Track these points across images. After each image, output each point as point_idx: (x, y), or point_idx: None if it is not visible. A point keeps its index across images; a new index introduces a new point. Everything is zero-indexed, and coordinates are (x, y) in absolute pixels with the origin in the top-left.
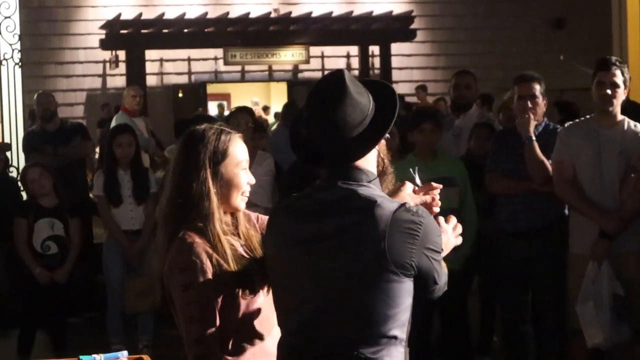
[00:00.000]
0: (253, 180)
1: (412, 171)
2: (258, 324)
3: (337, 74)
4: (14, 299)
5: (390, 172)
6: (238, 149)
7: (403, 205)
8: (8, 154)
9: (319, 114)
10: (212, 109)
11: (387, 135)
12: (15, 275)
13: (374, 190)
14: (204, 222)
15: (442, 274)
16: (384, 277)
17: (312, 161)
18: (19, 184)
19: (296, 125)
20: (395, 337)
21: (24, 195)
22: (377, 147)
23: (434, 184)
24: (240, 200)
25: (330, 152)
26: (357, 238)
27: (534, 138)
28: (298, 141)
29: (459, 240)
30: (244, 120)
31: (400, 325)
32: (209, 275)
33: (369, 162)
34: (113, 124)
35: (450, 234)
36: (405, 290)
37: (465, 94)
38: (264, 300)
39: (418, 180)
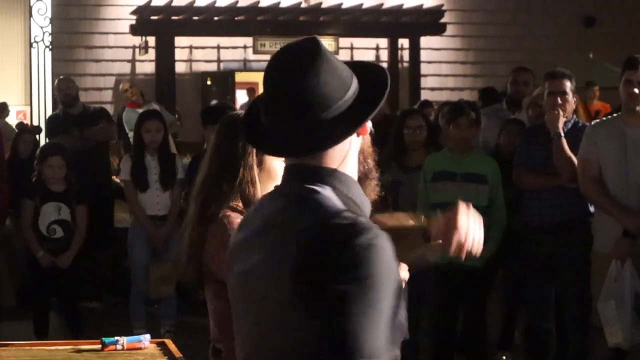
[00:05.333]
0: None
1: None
2: None
3: (309, 38)
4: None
5: (374, 177)
6: None
7: (335, 214)
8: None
9: (283, 80)
10: (241, 97)
11: (370, 127)
12: (27, 258)
13: (319, 194)
14: (246, 208)
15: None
16: (297, 316)
17: (269, 149)
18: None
19: (253, 105)
20: None
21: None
22: (357, 140)
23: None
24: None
25: (293, 135)
26: (276, 262)
27: (562, 134)
28: (253, 124)
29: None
30: None
31: None
32: None
33: (340, 157)
34: (124, 119)
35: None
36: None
37: (524, 90)
38: None
39: None
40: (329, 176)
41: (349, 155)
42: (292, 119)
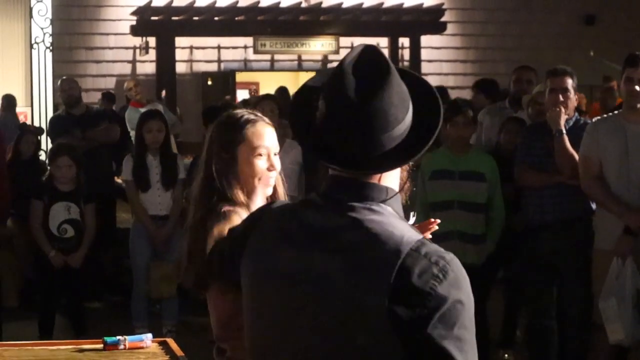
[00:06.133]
0: (277, 167)
1: (410, 214)
2: None
3: (374, 49)
4: (36, 281)
5: (405, 191)
6: (256, 135)
7: (420, 244)
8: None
9: (356, 97)
10: (242, 97)
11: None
12: (35, 258)
13: (386, 216)
14: (236, 204)
15: None
16: (382, 347)
17: (328, 160)
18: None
19: (306, 108)
20: None
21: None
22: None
23: (432, 219)
24: (258, 185)
25: (358, 153)
26: (352, 286)
27: (564, 131)
28: (308, 129)
29: None
30: (269, 108)
31: None
32: None
33: (393, 175)
34: (127, 118)
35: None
36: None
37: (527, 89)
38: None
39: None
40: (379, 192)
41: (397, 172)
42: (360, 135)
